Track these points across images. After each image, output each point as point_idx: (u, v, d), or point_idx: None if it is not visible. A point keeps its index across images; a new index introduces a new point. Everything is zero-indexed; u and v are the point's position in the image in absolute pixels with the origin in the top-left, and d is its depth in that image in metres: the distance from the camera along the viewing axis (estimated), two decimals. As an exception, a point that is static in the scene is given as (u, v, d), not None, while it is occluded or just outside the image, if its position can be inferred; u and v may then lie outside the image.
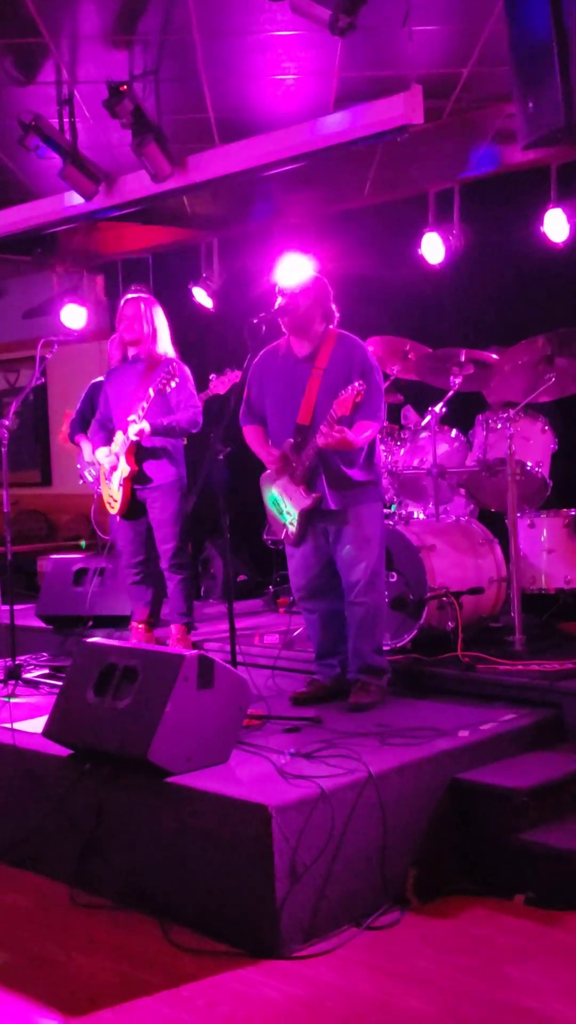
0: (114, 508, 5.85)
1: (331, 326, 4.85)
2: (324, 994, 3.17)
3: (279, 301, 4.77)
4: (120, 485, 5.74)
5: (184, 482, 5.80)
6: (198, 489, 5.90)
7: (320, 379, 4.74)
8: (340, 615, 4.91)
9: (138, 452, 5.68)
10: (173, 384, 5.46)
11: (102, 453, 5.82)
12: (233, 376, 6.29)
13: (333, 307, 4.86)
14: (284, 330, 4.85)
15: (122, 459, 5.68)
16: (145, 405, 5.53)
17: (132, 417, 5.57)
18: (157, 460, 5.71)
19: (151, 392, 5.50)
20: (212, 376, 6.37)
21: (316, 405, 4.72)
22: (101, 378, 7.13)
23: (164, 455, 5.72)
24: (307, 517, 4.81)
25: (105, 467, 5.81)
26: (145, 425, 5.54)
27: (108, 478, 5.81)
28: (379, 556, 4.84)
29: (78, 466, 7.17)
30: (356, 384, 4.49)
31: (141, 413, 5.53)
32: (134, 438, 5.57)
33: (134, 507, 5.79)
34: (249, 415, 5.01)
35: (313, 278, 4.85)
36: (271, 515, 5.02)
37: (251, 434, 5.02)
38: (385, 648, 5.10)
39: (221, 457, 4.57)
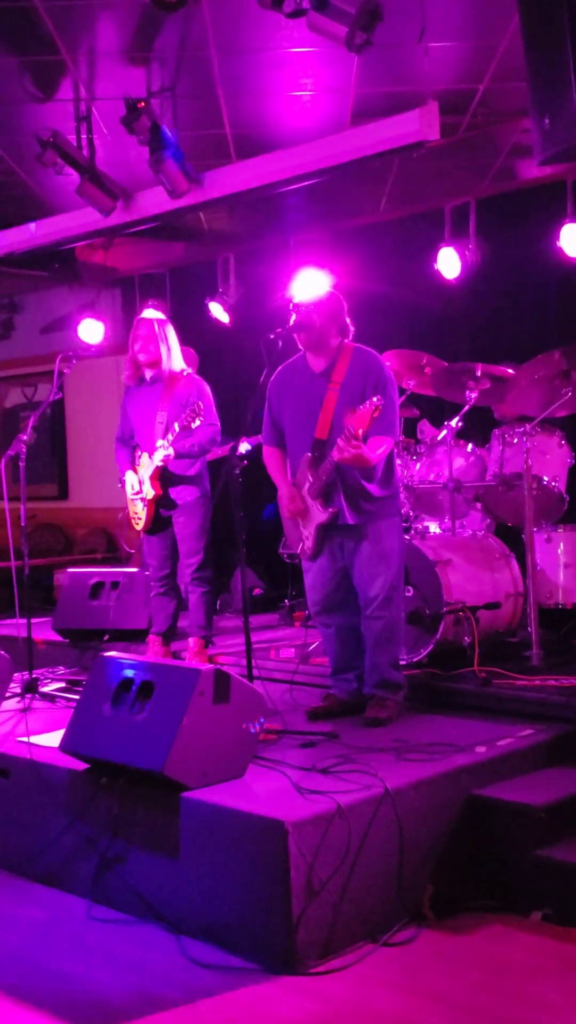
0: (139, 525, 5.99)
1: (347, 340, 4.85)
2: (340, 1010, 3.16)
3: (293, 317, 4.78)
4: (145, 506, 5.86)
5: (208, 497, 5.93)
6: (214, 504, 5.96)
7: (337, 393, 4.74)
8: (356, 630, 4.90)
9: (163, 476, 5.80)
10: (197, 423, 5.57)
11: (130, 477, 5.94)
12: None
13: (348, 321, 4.86)
14: (300, 346, 4.86)
15: (147, 483, 5.80)
16: (171, 437, 5.64)
17: (160, 443, 5.70)
18: (181, 482, 5.84)
19: (176, 427, 5.61)
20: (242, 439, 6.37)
21: (333, 419, 4.72)
22: None
23: (188, 477, 5.84)
24: (323, 531, 4.81)
25: (129, 492, 5.93)
26: (171, 451, 5.67)
27: (133, 498, 5.91)
28: (397, 571, 4.83)
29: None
30: (374, 399, 4.48)
31: (169, 440, 5.64)
32: (160, 463, 5.71)
33: (158, 524, 5.92)
34: (269, 434, 5.01)
35: (327, 293, 4.86)
36: (287, 527, 5.03)
37: (270, 457, 5.03)
38: (401, 663, 5.09)
39: (237, 472, 4.58)
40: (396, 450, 5.91)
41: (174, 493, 5.83)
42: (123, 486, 6.01)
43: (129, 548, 6.92)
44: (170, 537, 5.95)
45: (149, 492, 5.81)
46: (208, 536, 5.87)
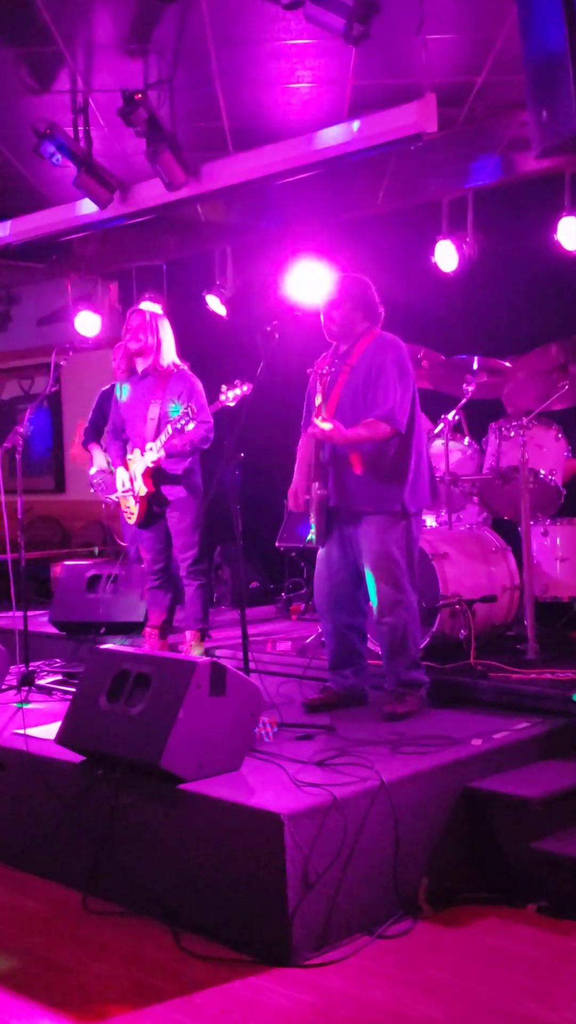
0: (131, 519, 6.03)
1: (374, 327, 4.81)
2: (336, 1002, 3.17)
3: (323, 319, 4.78)
4: (137, 502, 5.88)
5: (200, 491, 5.95)
6: (210, 496, 5.94)
7: (347, 376, 4.73)
8: (357, 629, 4.91)
9: (155, 474, 5.83)
10: (191, 427, 5.56)
11: (121, 474, 5.98)
12: (244, 391, 6.29)
13: (377, 302, 4.82)
14: (329, 340, 4.86)
15: (139, 479, 5.85)
16: (163, 439, 5.65)
17: (150, 445, 5.74)
18: (174, 479, 5.86)
19: (170, 429, 5.61)
20: (223, 388, 6.39)
21: (340, 401, 4.71)
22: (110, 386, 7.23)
23: (180, 473, 5.85)
24: (326, 516, 4.78)
25: (120, 489, 5.97)
26: (162, 453, 5.71)
27: (125, 494, 5.91)
28: (404, 573, 4.69)
29: (92, 472, 7.21)
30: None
31: (162, 441, 5.67)
32: (151, 464, 5.75)
33: (150, 519, 5.95)
34: (305, 421, 5.00)
35: (346, 279, 4.85)
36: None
37: (301, 448, 5.04)
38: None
39: (234, 466, 4.59)
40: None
41: (166, 490, 5.87)
42: (96, 479, 6.03)
43: (121, 542, 6.96)
44: (164, 530, 5.98)
45: (142, 489, 5.84)
46: (202, 529, 5.89)
